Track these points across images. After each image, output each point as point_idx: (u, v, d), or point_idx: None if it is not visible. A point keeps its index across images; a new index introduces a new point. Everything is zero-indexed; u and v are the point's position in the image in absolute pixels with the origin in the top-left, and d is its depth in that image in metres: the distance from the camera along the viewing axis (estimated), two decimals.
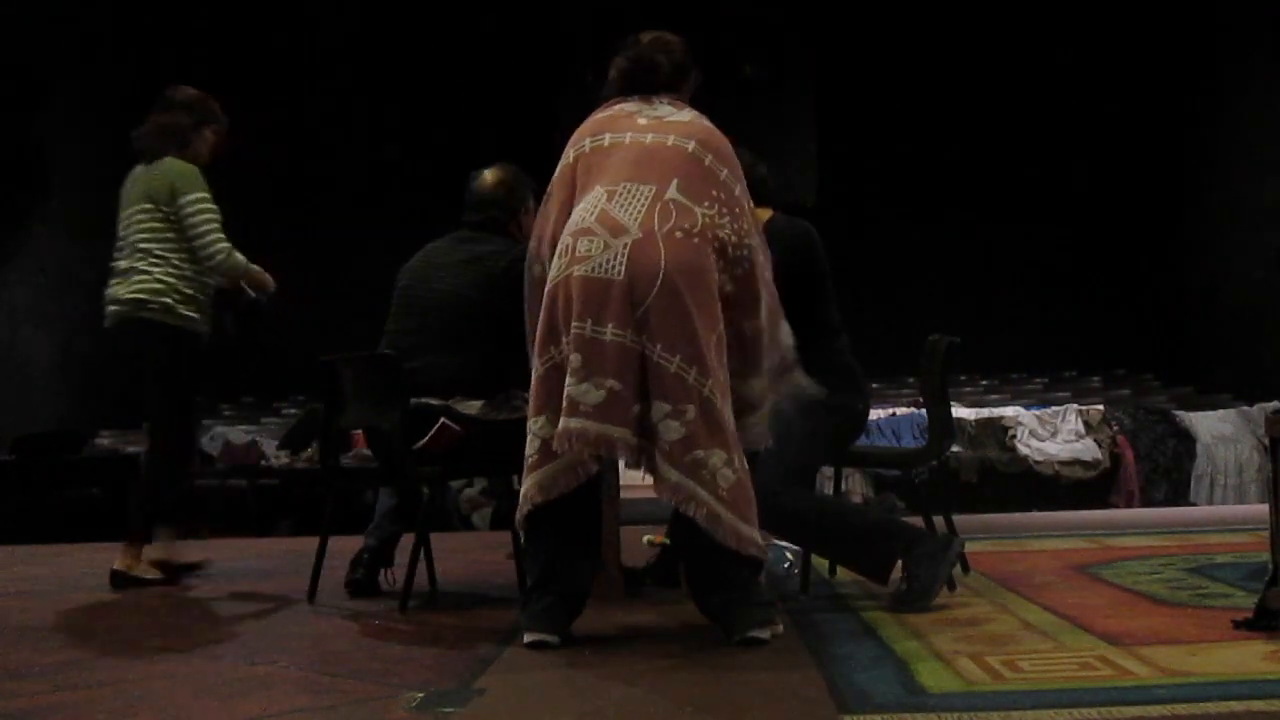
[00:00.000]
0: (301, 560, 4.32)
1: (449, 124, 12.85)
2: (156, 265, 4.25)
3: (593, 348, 2.79)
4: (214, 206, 4.30)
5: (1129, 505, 8.55)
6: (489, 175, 3.94)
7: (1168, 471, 8.80)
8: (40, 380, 11.58)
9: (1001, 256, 13.73)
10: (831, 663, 2.54)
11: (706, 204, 2.91)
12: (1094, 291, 13.84)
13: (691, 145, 2.98)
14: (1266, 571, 2.81)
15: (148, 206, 4.27)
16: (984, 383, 13.23)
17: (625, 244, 2.81)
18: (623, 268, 2.79)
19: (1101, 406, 9.43)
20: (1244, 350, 11.60)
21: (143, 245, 4.27)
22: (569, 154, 3.09)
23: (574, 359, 2.81)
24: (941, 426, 3.91)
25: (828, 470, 4.42)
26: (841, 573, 3.81)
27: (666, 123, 3.04)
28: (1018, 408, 9.69)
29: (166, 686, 2.58)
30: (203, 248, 4.26)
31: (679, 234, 2.84)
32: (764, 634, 2.86)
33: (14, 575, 4.97)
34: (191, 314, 4.30)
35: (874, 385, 11.21)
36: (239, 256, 4.35)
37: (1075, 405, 9.38)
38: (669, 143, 2.98)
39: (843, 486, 4.42)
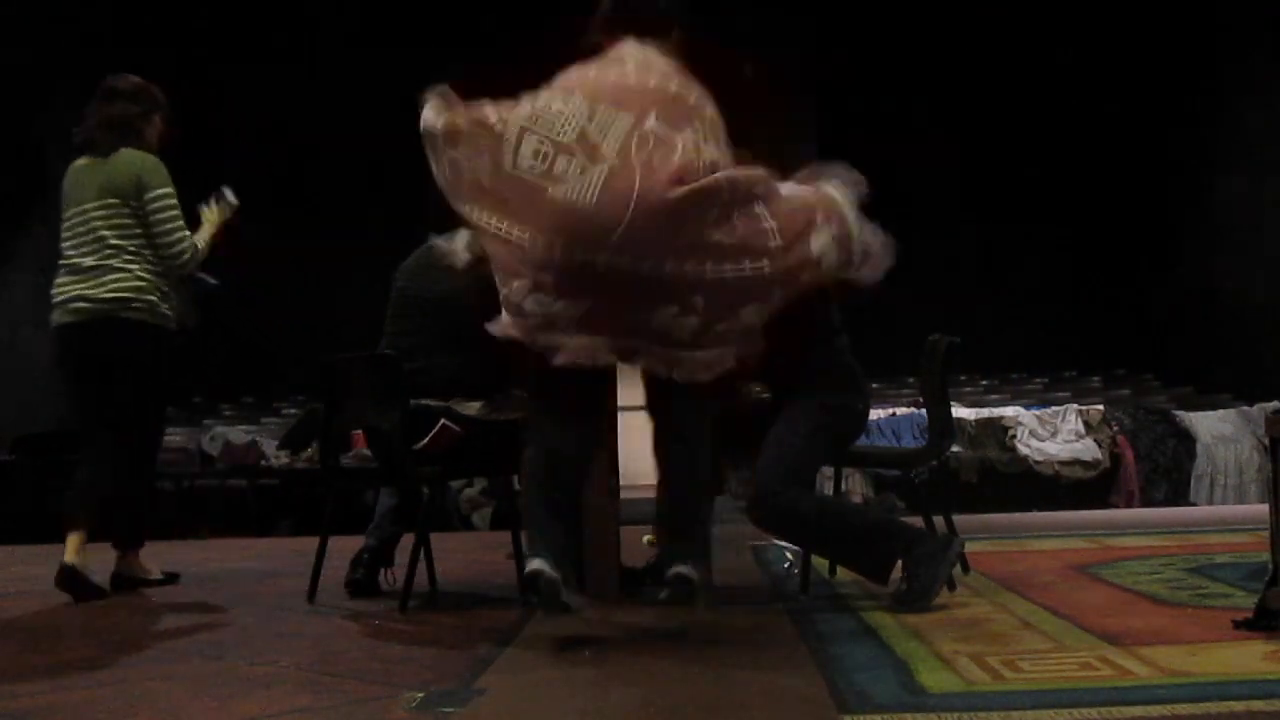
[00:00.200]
0: (301, 560, 4.32)
1: None
2: (133, 262, 4.11)
3: (567, 270, 2.84)
4: (177, 201, 4.19)
5: (1129, 505, 8.55)
6: None
7: (1168, 471, 8.80)
8: (40, 380, 11.56)
9: (1001, 257, 13.74)
10: (831, 663, 2.54)
11: (689, 131, 2.93)
12: (1094, 291, 13.84)
13: (673, 85, 3.02)
14: (1266, 571, 2.81)
15: (112, 202, 4.12)
16: (984, 383, 13.23)
17: (602, 171, 2.84)
18: (595, 194, 2.82)
19: (1101, 406, 9.43)
20: (1244, 350, 11.60)
21: (114, 242, 4.10)
22: (555, 78, 3.10)
23: (545, 278, 2.86)
24: (941, 426, 3.91)
25: (828, 470, 4.42)
26: (841, 573, 3.81)
27: (651, 64, 3.07)
28: (1018, 408, 9.69)
29: (166, 686, 2.58)
30: (170, 245, 4.15)
31: (656, 159, 2.86)
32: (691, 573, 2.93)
33: (14, 575, 4.97)
34: (169, 311, 4.21)
35: (874, 385, 11.21)
36: (201, 248, 4.26)
37: (1075, 405, 9.38)
38: (651, 82, 3.01)
39: (843, 486, 4.42)
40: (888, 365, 10.37)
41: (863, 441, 4.75)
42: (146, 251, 4.12)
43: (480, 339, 3.68)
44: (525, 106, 2.99)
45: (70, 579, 3.90)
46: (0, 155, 10.70)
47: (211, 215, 4.39)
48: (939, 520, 3.90)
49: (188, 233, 4.20)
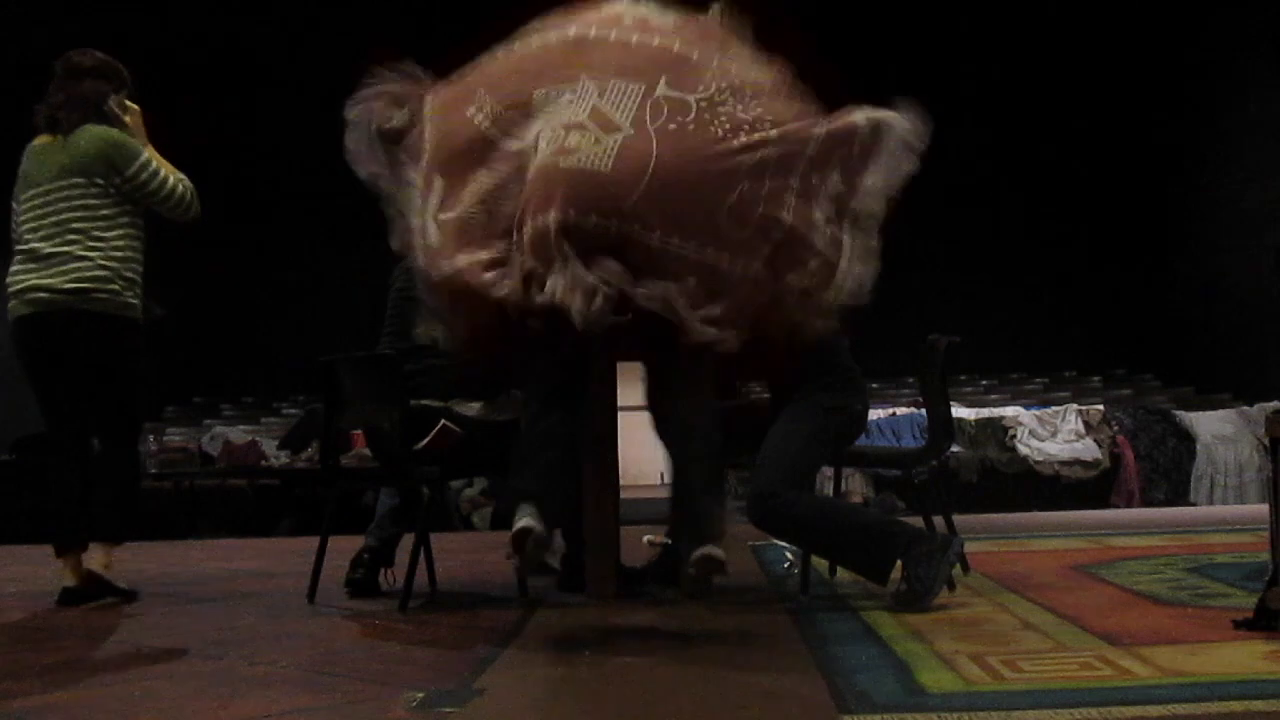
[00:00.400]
0: (301, 560, 4.31)
1: None
2: (94, 249, 3.84)
3: (576, 234, 2.82)
4: (152, 159, 3.94)
5: (1129, 505, 8.55)
6: None
7: (1168, 471, 8.80)
8: None
9: (1002, 256, 13.75)
10: (831, 663, 2.54)
11: (701, 89, 2.94)
12: (1094, 291, 13.85)
13: (677, 44, 3.02)
14: (1266, 571, 2.81)
15: (78, 181, 3.86)
16: (984, 383, 13.24)
17: (616, 140, 2.85)
18: (611, 160, 2.83)
19: (1101, 406, 9.44)
20: (1244, 350, 11.61)
21: (76, 226, 3.84)
22: (549, 31, 3.11)
23: (551, 246, 2.83)
24: (941, 426, 3.91)
25: (828, 470, 4.42)
26: (841, 573, 3.81)
27: (652, 23, 3.08)
28: (1018, 408, 9.70)
29: (166, 686, 2.57)
30: (175, 205, 3.95)
31: (673, 126, 2.87)
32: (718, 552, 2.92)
33: (14, 575, 4.97)
34: (135, 301, 3.94)
35: (874, 385, 11.23)
36: (180, 176, 4.01)
37: (1075, 405, 9.39)
38: (654, 43, 3.02)
39: (843, 486, 4.42)
40: (888, 365, 10.38)
41: (863, 441, 4.75)
42: (111, 236, 3.87)
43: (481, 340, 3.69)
44: (536, 112, 2.98)
45: (78, 595, 3.79)
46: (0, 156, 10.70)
47: (133, 119, 4.03)
48: (939, 520, 3.90)
49: (172, 179, 3.96)
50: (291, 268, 14.34)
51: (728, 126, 2.93)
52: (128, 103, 4.03)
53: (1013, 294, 13.63)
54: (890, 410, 9.11)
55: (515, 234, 2.91)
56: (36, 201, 3.90)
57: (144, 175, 3.90)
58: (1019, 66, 13.68)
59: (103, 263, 3.85)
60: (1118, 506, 8.55)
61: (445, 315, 3.11)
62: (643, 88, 2.92)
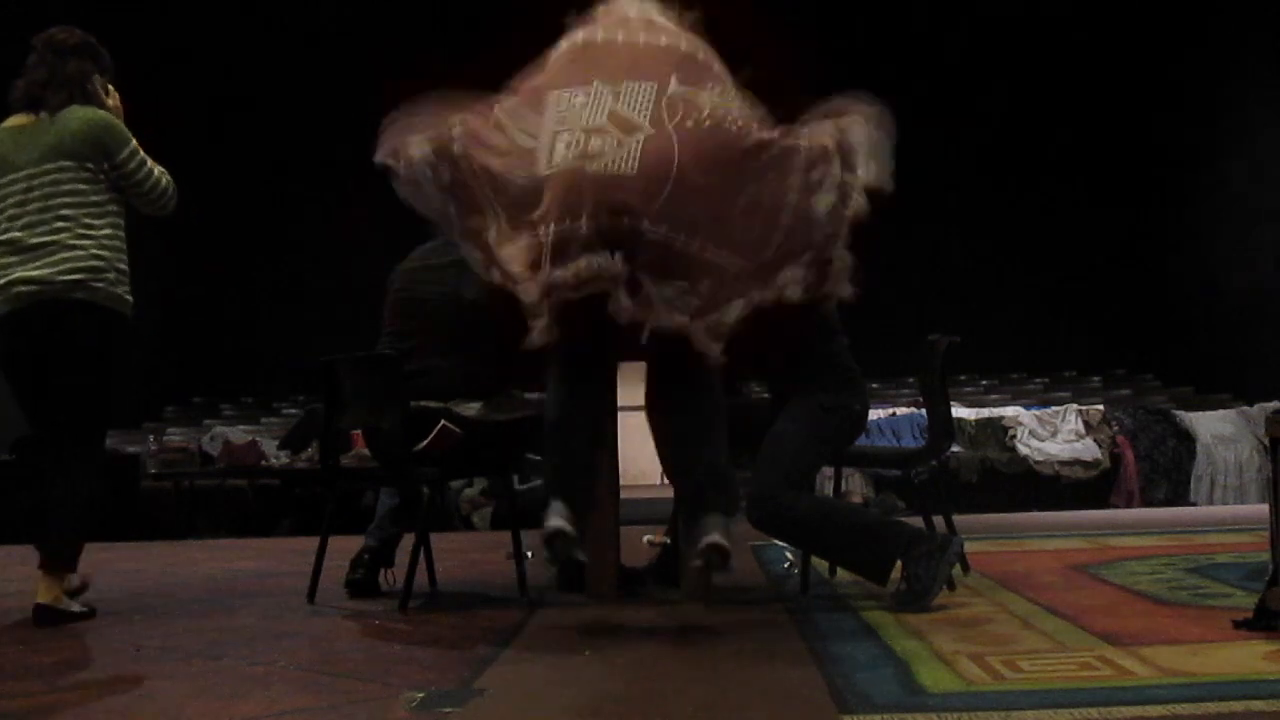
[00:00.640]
0: (301, 560, 4.31)
1: None
2: (86, 238, 3.54)
3: (606, 238, 2.84)
4: (139, 148, 3.68)
5: (1129, 505, 8.55)
6: None
7: (1168, 471, 8.80)
8: None
9: (1002, 256, 13.75)
10: (831, 663, 2.54)
11: (710, 85, 2.98)
12: (1094, 291, 13.85)
13: (683, 43, 3.05)
14: (1266, 571, 2.81)
15: (67, 165, 3.56)
16: (984, 383, 13.24)
17: (638, 140, 2.87)
18: (636, 161, 2.85)
19: (1101, 406, 9.44)
20: (1244, 350, 11.61)
21: (66, 213, 3.53)
22: (560, 43, 3.12)
23: (579, 245, 2.85)
24: (941, 426, 3.92)
25: (828, 470, 4.42)
26: (841, 573, 3.81)
27: (656, 23, 3.11)
28: (1018, 408, 9.69)
29: (166, 686, 2.57)
30: (157, 198, 3.69)
31: (690, 124, 2.90)
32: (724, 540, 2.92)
33: (14, 575, 4.96)
34: (127, 295, 3.64)
35: (874, 385, 11.23)
36: (161, 169, 3.75)
37: (1075, 405, 9.39)
38: (662, 42, 3.04)
39: (843, 486, 4.42)
40: (888, 365, 10.38)
41: (863, 441, 4.75)
42: (102, 224, 3.58)
43: (478, 340, 3.70)
44: (550, 112, 2.99)
45: (54, 614, 3.50)
46: None
47: (114, 103, 3.77)
48: (939, 520, 3.90)
49: (156, 170, 3.70)
50: (292, 268, 14.34)
51: (739, 124, 2.96)
52: (110, 86, 3.77)
53: (1012, 294, 13.63)
54: (890, 410, 9.11)
55: (543, 239, 2.91)
56: (17, 187, 3.56)
57: (133, 164, 3.63)
58: (1018, 67, 13.68)
59: (96, 252, 3.55)
60: (1118, 506, 8.55)
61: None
62: (655, 86, 2.95)
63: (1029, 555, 4.60)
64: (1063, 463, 8.73)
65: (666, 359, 3.08)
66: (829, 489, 4.94)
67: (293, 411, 12.87)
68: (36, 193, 3.55)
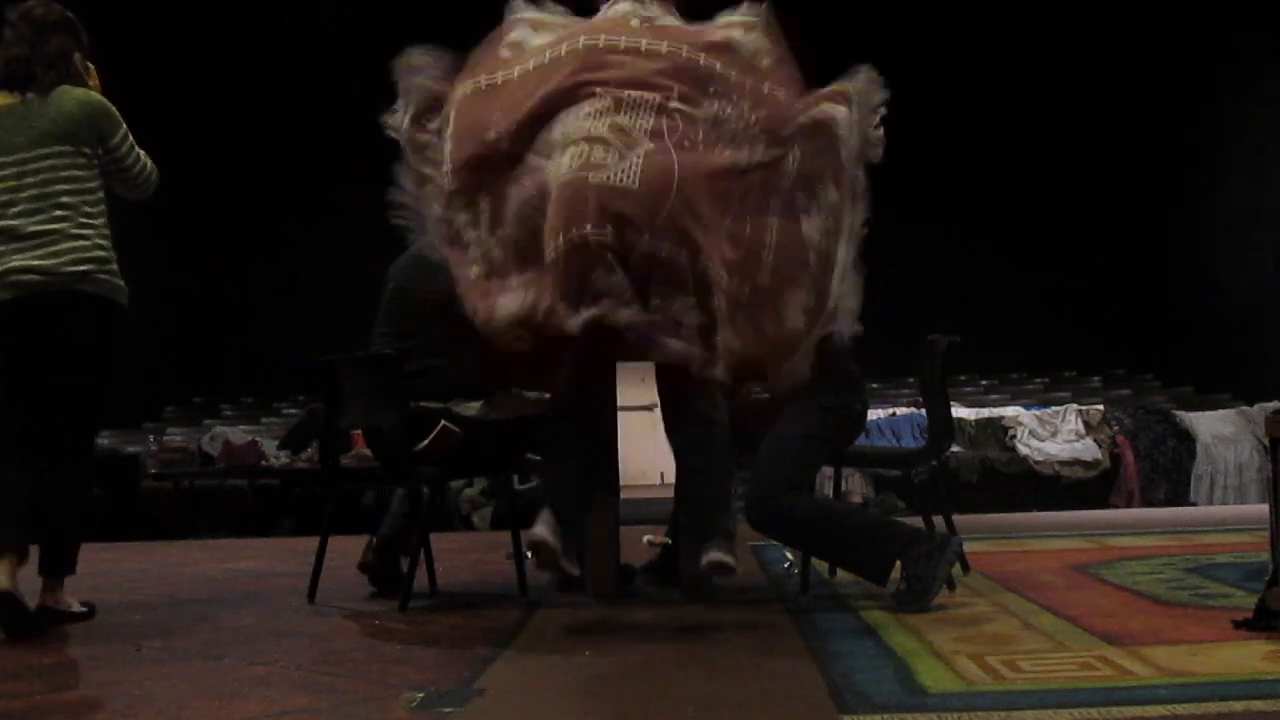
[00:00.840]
0: (301, 560, 4.31)
1: None
2: (88, 228, 3.40)
3: (616, 250, 2.85)
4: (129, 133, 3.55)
5: (1129, 505, 8.55)
6: None
7: (1168, 471, 8.80)
8: None
9: (1002, 256, 13.75)
10: (831, 663, 2.54)
11: (707, 103, 2.97)
12: (1094, 291, 13.85)
13: (685, 49, 3.03)
14: (1266, 571, 2.81)
15: (64, 149, 3.40)
16: (984, 383, 13.24)
17: (640, 155, 2.88)
18: (638, 176, 2.85)
19: (1101, 406, 9.44)
20: (1244, 350, 11.61)
21: (65, 200, 3.38)
22: (560, 44, 3.10)
23: (582, 260, 2.86)
24: (941, 426, 3.92)
25: (828, 470, 4.42)
26: (841, 573, 3.80)
27: (658, 27, 3.10)
28: (1018, 408, 9.70)
29: (166, 686, 2.57)
30: (142, 184, 3.55)
31: (686, 143, 2.91)
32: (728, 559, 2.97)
33: None
34: (124, 285, 3.50)
35: (874, 385, 11.23)
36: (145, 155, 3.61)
37: (1075, 405, 9.39)
38: (664, 49, 3.03)
39: (843, 486, 4.42)
40: (888, 365, 10.39)
41: (863, 441, 4.75)
42: (97, 211, 3.45)
43: (477, 339, 3.70)
44: (557, 128, 2.99)
45: (9, 606, 3.25)
46: None
47: (94, 81, 3.59)
48: (939, 520, 3.90)
49: (143, 155, 3.56)
50: (292, 267, 14.34)
51: (730, 147, 2.96)
52: (90, 65, 3.59)
53: (1012, 294, 13.63)
54: (890, 410, 9.11)
55: (548, 250, 2.92)
56: (8, 172, 3.38)
57: (124, 148, 3.49)
58: (1018, 67, 13.68)
59: (100, 242, 3.42)
60: (1118, 506, 8.55)
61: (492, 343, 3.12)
62: (657, 99, 2.95)
63: (1029, 555, 4.60)
64: (1063, 463, 8.73)
65: (674, 382, 3.11)
66: (829, 489, 4.94)
67: (293, 411, 12.88)
68: (31, 178, 3.38)
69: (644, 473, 11.07)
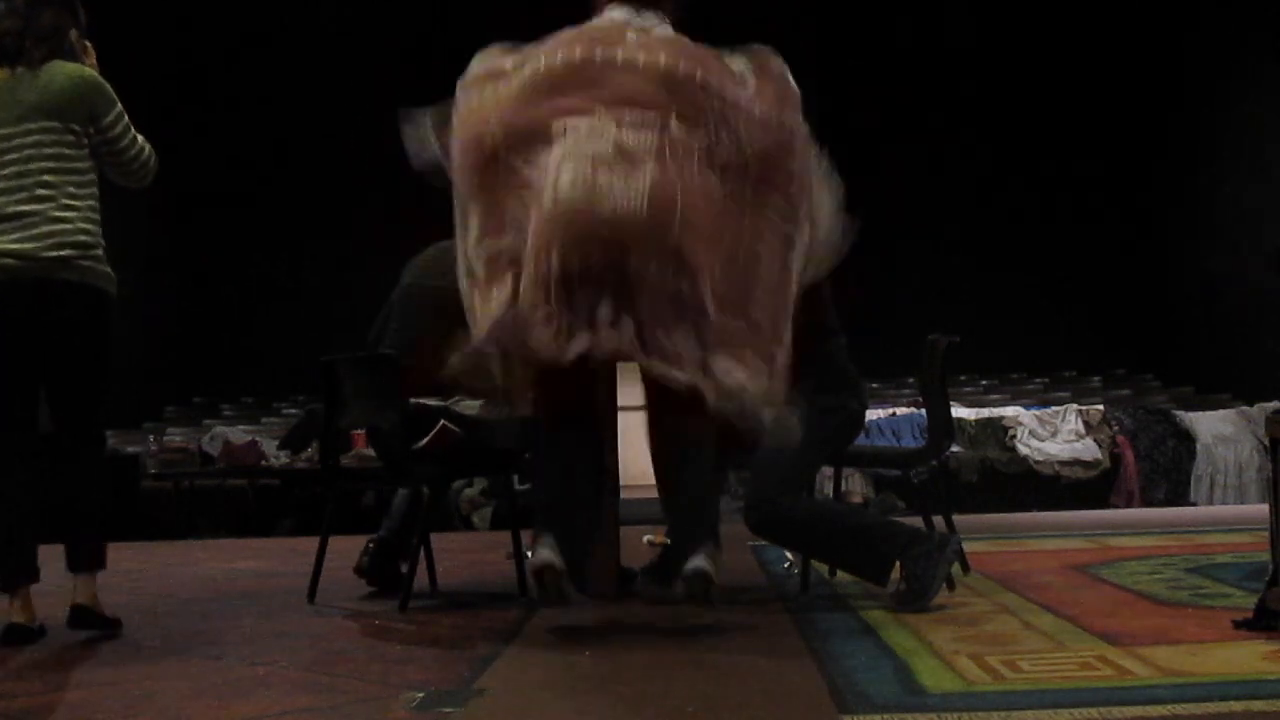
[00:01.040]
0: (301, 560, 4.32)
1: None
2: (72, 209, 3.19)
3: (618, 276, 2.82)
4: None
5: (1129, 505, 8.55)
6: None
7: (1168, 471, 8.80)
8: None
9: (1001, 256, 13.74)
10: (831, 663, 2.54)
11: (704, 127, 2.93)
12: (1094, 291, 13.84)
13: (681, 64, 2.98)
14: (1266, 571, 2.81)
15: (52, 125, 3.20)
16: (984, 383, 13.24)
17: (645, 178, 2.83)
18: (645, 202, 2.82)
19: (1101, 406, 9.44)
20: (1244, 350, 11.60)
21: (48, 179, 3.17)
22: (556, 53, 3.04)
23: (588, 287, 2.84)
24: (940, 426, 3.92)
25: (827, 470, 4.42)
26: (841, 573, 3.81)
27: (654, 38, 3.04)
28: (1018, 408, 9.70)
29: (166, 686, 2.57)
30: (138, 169, 3.36)
31: (685, 168, 2.88)
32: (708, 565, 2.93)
33: None
34: (110, 273, 3.30)
35: (874, 385, 11.22)
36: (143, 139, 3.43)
37: (1075, 405, 9.39)
38: (661, 63, 2.97)
39: (843, 486, 4.42)
40: (888, 365, 10.38)
41: (863, 441, 4.75)
42: (85, 193, 3.25)
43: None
44: (556, 145, 2.94)
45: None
46: None
47: (91, 61, 3.40)
48: (938, 520, 3.90)
49: (140, 138, 3.37)
50: (292, 267, 14.34)
51: (721, 174, 2.93)
52: (88, 44, 3.42)
53: (1012, 294, 13.62)
54: (890, 410, 9.11)
55: (546, 281, 2.86)
56: None
57: (119, 128, 3.29)
58: (1018, 67, 13.68)
59: (84, 225, 3.21)
60: (1118, 506, 8.55)
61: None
62: (658, 119, 2.90)
63: (1029, 555, 4.60)
64: (1063, 463, 8.73)
65: (662, 399, 3.07)
66: (829, 489, 4.95)
67: (293, 411, 12.87)
68: (13, 155, 3.18)
69: (644, 473, 11.00)
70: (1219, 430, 8.94)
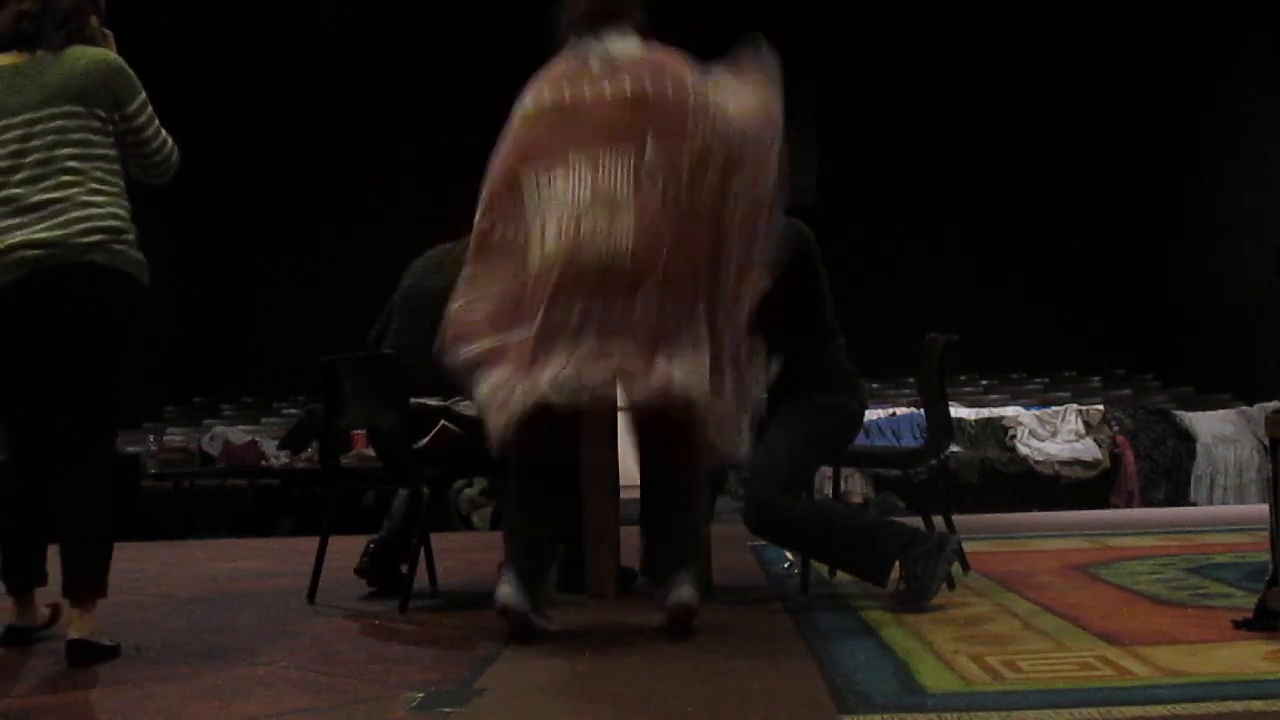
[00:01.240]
0: (301, 560, 4.32)
1: (456, 122, 12.89)
2: (101, 194, 3.00)
3: (606, 321, 2.83)
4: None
5: (1129, 505, 8.55)
6: None
7: (1168, 471, 8.80)
8: None
9: (1001, 256, 13.74)
10: (831, 663, 2.54)
11: (686, 145, 2.90)
12: (1094, 291, 13.84)
13: (648, 83, 2.95)
14: (1266, 571, 2.81)
15: (75, 110, 3.00)
16: (984, 383, 13.23)
17: (628, 218, 2.83)
18: (630, 240, 2.82)
19: (1101, 406, 9.44)
20: (1244, 350, 11.60)
21: (73, 165, 2.97)
22: (526, 102, 3.04)
23: (581, 334, 2.84)
24: (940, 426, 3.92)
25: (827, 470, 4.42)
26: (841, 573, 3.81)
27: (617, 63, 3.00)
28: (1018, 408, 9.70)
29: (166, 687, 2.57)
30: (160, 163, 3.18)
31: (670, 195, 2.87)
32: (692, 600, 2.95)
33: None
34: (143, 259, 3.10)
35: (874, 385, 11.22)
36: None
37: (1075, 405, 9.39)
38: (627, 89, 2.94)
39: (842, 486, 4.43)
40: (887, 365, 10.38)
41: (862, 441, 4.75)
42: (114, 179, 3.06)
43: None
44: (529, 197, 2.94)
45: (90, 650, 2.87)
46: None
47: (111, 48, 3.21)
48: (938, 520, 3.90)
49: (164, 133, 3.19)
50: (292, 267, 14.34)
51: (715, 194, 2.91)
52: (108, 31, 3.24)
53: (1012, 294, 13.62)
54: (890, 410, 9.11)
55: (535, 331, 2.86)
56: (12, 134, 2.98)
57: (143, 117, 3.11)
58: (1017, 67, 13.67)
59: (115, 211, 3.01)
60: (1118, 506, 8.55)
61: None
62: (633, 153, 2.88)
63: (1029, 555, 4.60)
64: (1063, 463, 8.73)
65: (648, 424, 3.06)
66: (829, 489, 4.95)
67: (293, 411, 12.87)
68: (37, 141, 2.98)
69: None
70: (1219, 430, 8.94)
